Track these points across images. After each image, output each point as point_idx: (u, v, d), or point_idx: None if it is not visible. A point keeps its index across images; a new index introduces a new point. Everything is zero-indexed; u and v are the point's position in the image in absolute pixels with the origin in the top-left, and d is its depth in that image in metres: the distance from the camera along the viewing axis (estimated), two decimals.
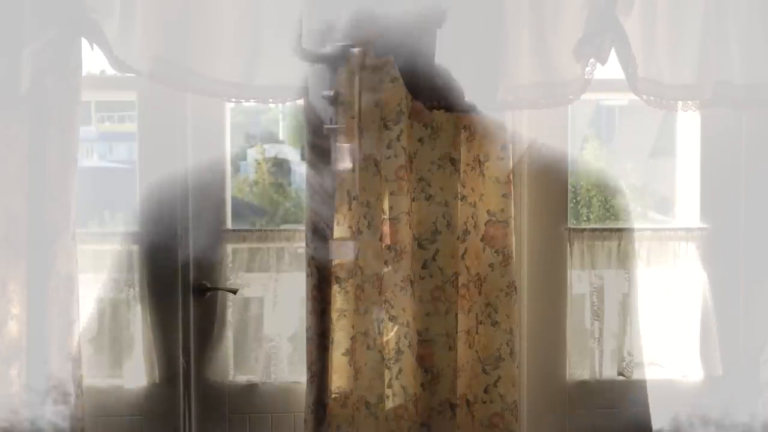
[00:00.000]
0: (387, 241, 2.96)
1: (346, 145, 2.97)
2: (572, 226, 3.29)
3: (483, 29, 2.91)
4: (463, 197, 3.00)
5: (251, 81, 2.91)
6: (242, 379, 3.30)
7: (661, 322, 3.29)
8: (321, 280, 3.02)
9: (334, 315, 2.99)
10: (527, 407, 3.25)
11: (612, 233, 3.30)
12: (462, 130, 2.99)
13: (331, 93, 2.90)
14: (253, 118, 3.67)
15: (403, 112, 2.95)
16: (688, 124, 3.34)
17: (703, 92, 2.98)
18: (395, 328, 2.95)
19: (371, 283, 2.99)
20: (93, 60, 2.98)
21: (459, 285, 3.00)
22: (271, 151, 3.65)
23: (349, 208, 2.99)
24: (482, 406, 3.02)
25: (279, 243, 3.28)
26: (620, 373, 3.29)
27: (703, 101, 3.00)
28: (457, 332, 3.01)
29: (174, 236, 3.17)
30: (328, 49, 2.93)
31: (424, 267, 3.02)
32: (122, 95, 3.47)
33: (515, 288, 3.01)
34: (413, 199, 2.99)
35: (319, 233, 3.03)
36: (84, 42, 2.91)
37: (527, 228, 3.21)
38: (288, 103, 3.08)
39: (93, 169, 3.77)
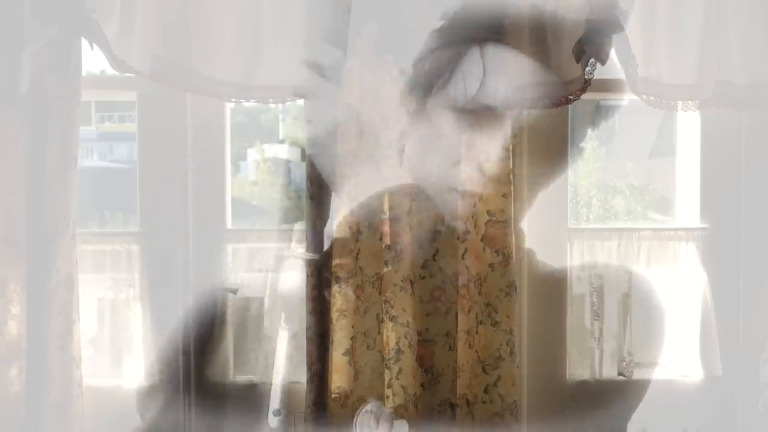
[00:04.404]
0: (387, 241, 2.96)
1: (346, 145, 2.96)
2: (572, 226, 3.29)
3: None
4: (463, 197, 3.00)
5: (251, 81, 2.91)
6: (242, 379, 3.30)
7: (661, 322, 3.30)
8: (321, 280, 3.02)
9: (334, 315, 2.99)
10: (527, 407, 3.25)
11: (612, 233, 3.30)
12: (462, 130, 2.99)
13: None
14: (253, 118, 3.67)
15: (403, 112, 2.94)
16: (688, 124, 3.34)
17: (703, 92, 2.98)
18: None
19: (371, 283, 2.99)
20: (93, 60, 2.99)
21: (459, 285, 3.00)
22: (271, 151, 3.65)
23: (349, 208, 2.99)
24: (482, 406, 3.02)
25: (279, 243, 3.28)
26: (620, 373, 3.29)
27: (703, 101, 3.00)
28: (457, 332, 3.01)
29: (174, 236, 3.18)
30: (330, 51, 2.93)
31: (424, 267, 3.02)
32: (122, 95, 3.47)
33: (515, 288, 3.01)
34: (413, 199, 2.99)
35: (319, 233, 3.03)
36: (84, 42, 2.92)
37: (527, 228, 3.21)
38: (288, 103, 3.08)
39: (93, 169, 3.77)
